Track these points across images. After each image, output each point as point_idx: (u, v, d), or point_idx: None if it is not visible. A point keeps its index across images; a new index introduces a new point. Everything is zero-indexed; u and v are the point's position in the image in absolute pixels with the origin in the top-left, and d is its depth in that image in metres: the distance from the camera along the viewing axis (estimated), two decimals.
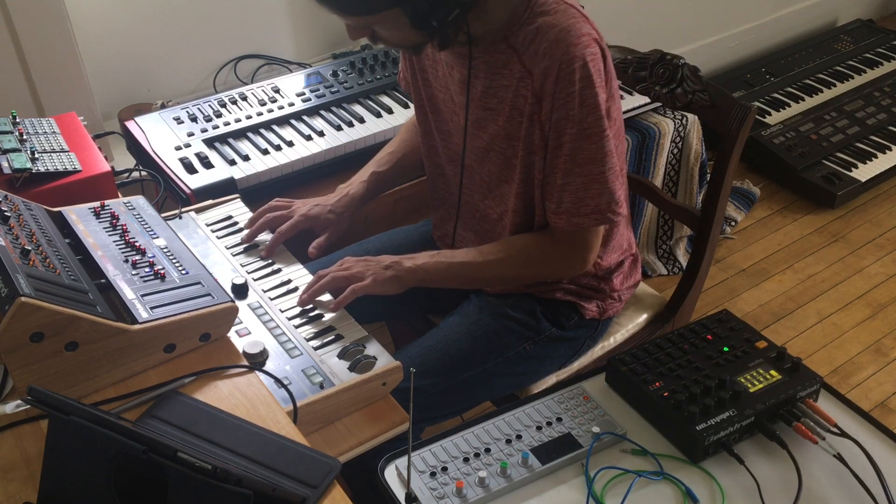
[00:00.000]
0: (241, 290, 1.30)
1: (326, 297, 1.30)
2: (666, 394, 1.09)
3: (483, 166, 1.39)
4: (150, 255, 1.18)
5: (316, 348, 1.19)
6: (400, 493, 1.02)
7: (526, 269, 1.38)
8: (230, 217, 1.50)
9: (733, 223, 2.85)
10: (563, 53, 1.18)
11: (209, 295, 1.12)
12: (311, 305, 1.28)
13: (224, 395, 1.05)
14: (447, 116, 1.42)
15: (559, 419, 1.11)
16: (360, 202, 1.53)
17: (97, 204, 1.29)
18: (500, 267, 1.37)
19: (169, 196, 1.60)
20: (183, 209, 1.50)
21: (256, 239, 1.44)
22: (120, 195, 1.41)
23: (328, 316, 1.26)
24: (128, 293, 1.09)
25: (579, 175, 1.26)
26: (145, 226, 1.27)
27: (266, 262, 1.40)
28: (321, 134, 1.79)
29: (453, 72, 1.33)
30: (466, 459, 1.05)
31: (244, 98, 1.87)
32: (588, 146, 1.24)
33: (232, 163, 1.69)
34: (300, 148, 1.75)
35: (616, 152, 1.28)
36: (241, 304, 1.27)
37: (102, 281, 1.11)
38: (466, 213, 1.49)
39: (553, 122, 1.24)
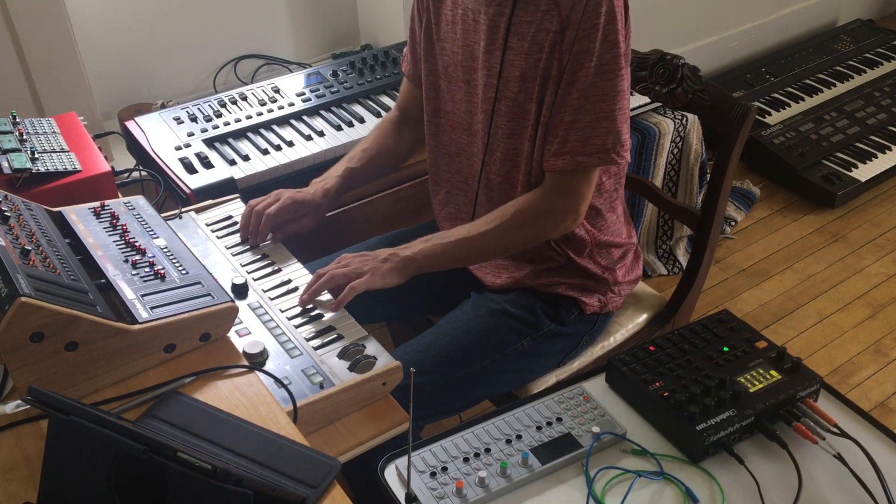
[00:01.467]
0: (241, 290, 1.30)
1: (326, 296, 1.30)
2: (666, 394, 1.09)
3: (499, 118, 1.38)
4: (150, 255, 1.18)
5: (316, 348, 1.19)
6: (400, 493, 1.02)
7: (522, 230, 1.36)
8: (230, 217, 1.50)
9: (733, 223, 2.85)
10: None
11: (209, 295, 1.12)
12: (311, 305, 1.28)
13: (224, 395, 1.05)
14: (467, 76, 1.41)
15: (559, 419, 1.11)
16: (336, 195, 1.53)
17: (97, 204, 1.29)
18: (496, 235, 1.36)
19: (169, 196, 1.60)
20: (183, 209, 1.50)
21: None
22: (120, 195, 1.41)
23: (328, 316, 1.26)
24: (128, 293, 1.09)
25: (590, 112, 1.27)
26: (145, 226, 1.27)
27: (266, 262, 1.40)
28: (321, 134, 1.79)
29: (479, 16, 1.34)
30: (466, 459, 1.05)
31: (244, 98, 1.87)
32: (603, 83, 1.26)
33: (232, 163, 1.69)
34: (300, 148, 1.75)
35: (627, 92, 1.30)
36: (241, 304, 1.27)
37: (102, 281, 1.11)
38: (484, 187, 1.47)
39: (573, 54, 1.25)
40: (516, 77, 1.32)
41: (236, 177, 1.65)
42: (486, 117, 1.39)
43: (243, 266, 1.39)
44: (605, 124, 1.27)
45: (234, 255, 1.41)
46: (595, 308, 1.50)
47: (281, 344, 1.19)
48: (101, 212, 1.28)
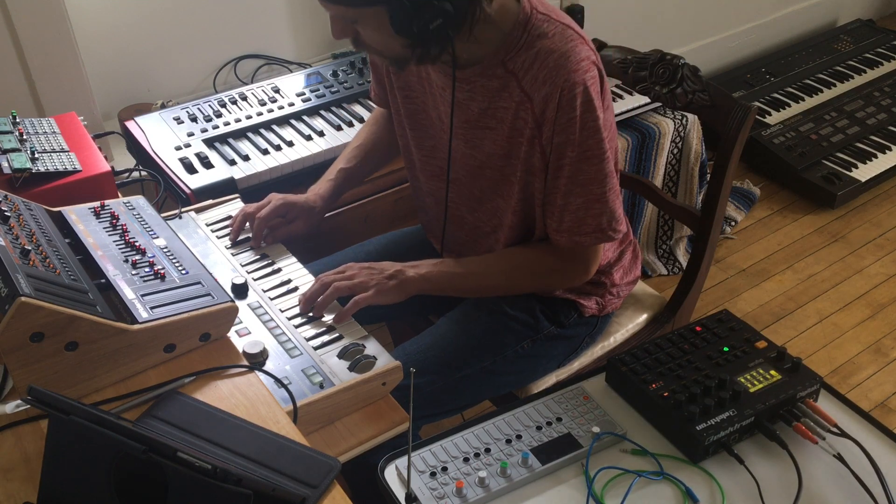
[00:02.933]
0: (241, 290, 1.30)
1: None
2: (666, 394, 1.09)
3: (475, 182, 1.39)
4: (150, 255, 1.18)
5: (316, 348, 1.19)
6: (400, 493, 1.02)
7: (528, 280, 1.40)
8: (230, 217, 1.50)
9: (733, 223, 2.85)
10: (564, 80, 1.19)
11: (209, 295, 1.12)
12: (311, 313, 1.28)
13: (224, 395, 1.05)
14: (433, 132, 1.42)
15: (559, 419, 1.11)
16: (330, 199, 1.53)
17: (97, 204, 1.29)
18: (503, 278, 1.39)
19: (169, 196, 1.60)
20: (183, 209, 1.50)
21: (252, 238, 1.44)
22: (120, 195, 1.41)
23: (328, 316, 1.26)
24: (128, 293, 1.09)
25: (580, 195, 1.27)
26: (145, 226, 1.27)
27: (266, 262, 1.40)
28: (321, 134, 1.79)
29: (445, 93, 1.34)
30: (466, 459, 1.05)
31: (244, 98, 1.87)
32: (589, 167, 1.25)
33: (232, 163, 1.69)
34: (300, 148, 1.75)
35: (615, 171, 1.30)
36: (241, 304, 1.27)
37: (102, 281, 1.11)
38: (454, 225, 1.50)
39: (554, 146, 1.25)
40: (499, 154, 1.32)
41: (236, 177, 1.65)
42: (445, 170, 1.40)
43: (243, 266, 1.39)
44: (597, 206, 1.28)
45: (234, 255, 1.41)
46: (593, 311, 1.50)
47: (281, 344, 1.19)
48: (101, 212, 1.28)
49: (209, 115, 1.81)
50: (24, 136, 1.43)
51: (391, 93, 1.47)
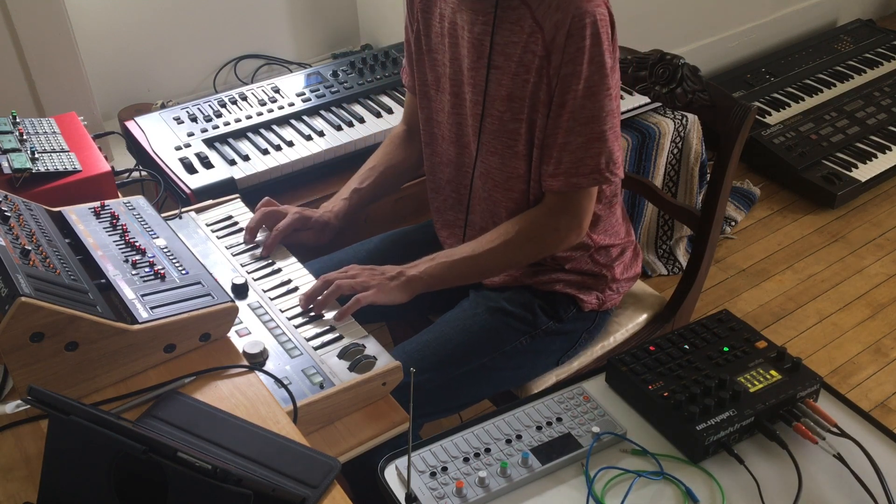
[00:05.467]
0: (241, 290, 1.30)
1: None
2: (666, 394, 1.09)
3: (489, 139, 1.39)
4: (150, 255, 1.18)
5: (316, 348, 1.19)
6: (400, 493, 1.02)
7: (526, 247, 1.38)
8: (230, 217, 1.50)
9: (733, 223, 2.85)
10: (576, 9, 1.22)
11: (209, 295, 1.12)
12: (312, 311, 1.28)
13: (224, 395, 1.05)
14: (455, 90, 1.42)
15: (559, 419, 1.11)
16: (343, 218, 1.54)
17: (97, 204, 1.29)
18: (501, 252, 1.37)
19: (169, 196, 1.60)
20: (183, 209, 1.50)
21: (256, 239, 1.44)
22: (120, 195, 1.41)
23: (328, 315, 1.26)
24: (128, 293, 1.09)
25: (581, 133, 1.28)
26: (145, 226, 1.27)
27: (266, 262, 1.40)
28: (321, 134, 1.79)
29: (464, 32, 1.34)
30: (466, 459, 1.05)
31: (244, 98, 1.87)
32: (592, 104, 1.26)
33: (232, 163, 1.69)
34: (300, 148, 1.75)
35: (617, 111, 1.30)
36: (241, 304, 1.27)
37: (102, 281, 1.11)
38: (478, 204, 1.48)
39: (561, 77, 1.26)
40: (503, 97, 1.33)
41: (236, 177, 1.65)
42: (475, 133, 1.40)
43: (243, 266, 1.39)
44: (597, 145, 1.29)
45: (234, 255, 1.41)
46: (593, 305, 1.50)
47: (281, 344, 1.19)
48: (101, 212, 1.28)
49: (209, 115, 1.81)
50: (24, 136, 1.43)
51: (419, 64, 1.47)
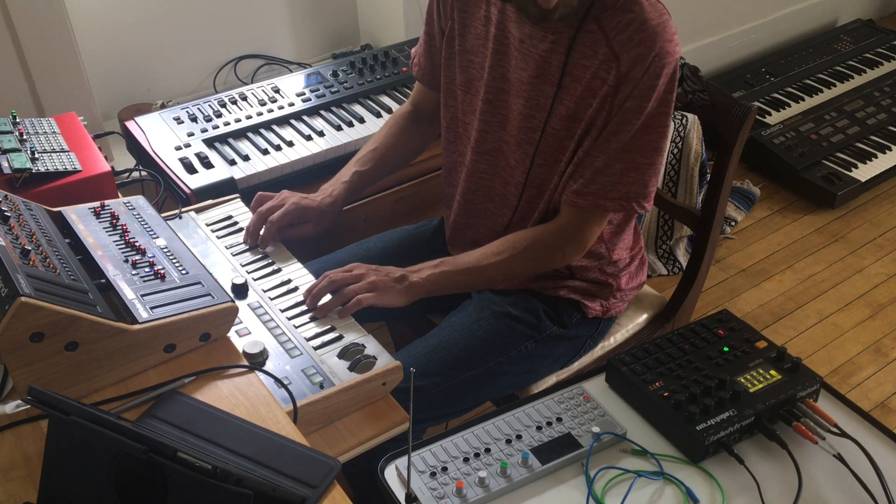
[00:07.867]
0: (241, 290, 1.30)
1: (326, 298, 1.30)
2: (666, 394, 1.09)
3: (522, 148, 1.38)
4: (150, 255, 1.18)
5: (316, 348, 1.19)
6: (400, 493, 1.02)
7: (529, 263, 1.39)
8: (230, 217, 1.50)
9: (733, 223, 2.85)
10: (660, 48, 1.21)
11: (209, 295, 1.12)
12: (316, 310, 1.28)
13: (224, 395, 1.05)
14: (490, 97, 1.39)
15: (559, 419, 1.11)
16: (343, 202, 1.53)
17: (97, 204, 1.29)
18: (505, 265, 1.37)
19: (169, 196, 1.60)
20: (183, 209, 1.50)
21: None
22: (120, 195, 1.41)
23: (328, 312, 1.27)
24: (128, 293, 1.09)
25: (623, 161, 1.28)
26: (145, 226, 1.27)
27: (266, 262, 1.40)
28: (321, 134, 1.79)
29: (520, 44, 1.31)
30: (466, 459, 1.05)
31: (244, 98, 1.87)
32: (644, 137, 1.26)
33: (232, 163, 1.69)
34: (300, 148, 1.75)
35: (664, 152, 1.30)
36: (241, 304, 1.27)
37: (102, 281, 1.11)
38: (493, 203, 1.47)
39: (624, 109, 1.25)
40: (563, 115, 1.31)
41: (236, 177, 1.65)
42: (518, 144, 1.38)
43: (243, 266, 1.39)
44: (634, 175, 1.28)
45: (234, 255, 1.41)
46: (597, 312, 1.50)
47: (281, 344, 1.19)
48: (101, 212, 1.28)
49: (209, 115, 1.81)
50: (24, 136, 1.43)
51: (448, 63, 1.45)
